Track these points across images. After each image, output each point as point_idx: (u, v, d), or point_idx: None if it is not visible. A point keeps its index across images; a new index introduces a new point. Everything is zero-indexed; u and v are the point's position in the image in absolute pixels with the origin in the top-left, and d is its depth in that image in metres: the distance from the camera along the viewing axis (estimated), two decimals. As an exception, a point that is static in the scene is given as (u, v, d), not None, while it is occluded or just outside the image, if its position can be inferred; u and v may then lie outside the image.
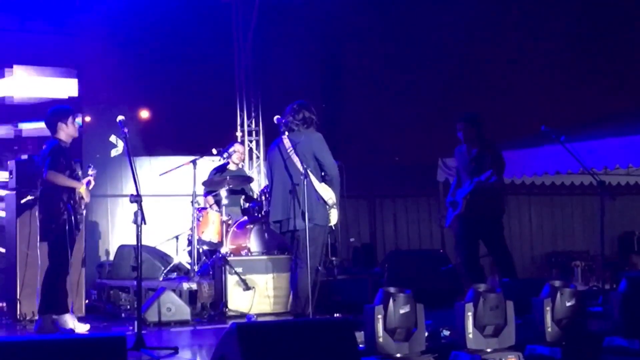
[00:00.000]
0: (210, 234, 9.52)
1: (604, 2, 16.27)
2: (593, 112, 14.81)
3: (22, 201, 8.24)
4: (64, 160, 7.40)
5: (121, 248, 10.19)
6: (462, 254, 8.79)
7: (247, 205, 9.95)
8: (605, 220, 8.44)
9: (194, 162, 9.58)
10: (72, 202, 7.37)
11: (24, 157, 8.56)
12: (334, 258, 10.49)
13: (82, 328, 7.41)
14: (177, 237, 10.38)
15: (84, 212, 7.66)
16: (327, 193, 7.41)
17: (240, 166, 10.67)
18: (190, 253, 9.52)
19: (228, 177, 9.81)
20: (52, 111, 7.69)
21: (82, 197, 7.46)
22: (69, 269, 7.56)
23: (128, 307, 9.18)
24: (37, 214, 7.51)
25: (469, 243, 8.67)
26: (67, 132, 7.53)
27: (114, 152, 12.91)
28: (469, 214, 8.55)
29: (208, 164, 10.45)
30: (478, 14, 15.72)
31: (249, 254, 9.19)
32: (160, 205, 11.83)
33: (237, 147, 10.68)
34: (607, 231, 8.92)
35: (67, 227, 7.29)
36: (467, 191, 8.48)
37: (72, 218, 7.33)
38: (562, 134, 8.71)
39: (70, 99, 10.95)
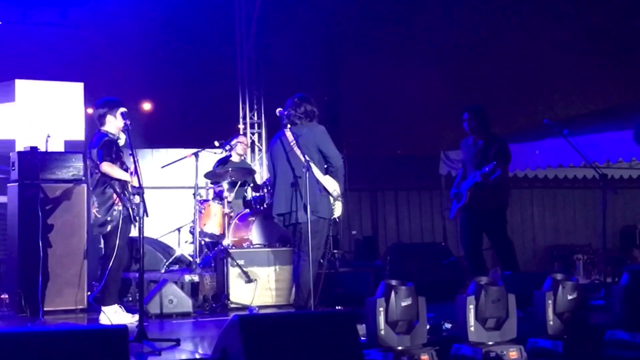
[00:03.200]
0: (212, 226, 9.51)
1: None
2: (596, 105, 14.81)
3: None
4: (114, 153, 7.41)
5: (123, 240, 10.18)
6: (465, 246, 8.79)
7: (251, 196, 9.95)
8: (608, 214, 8.45)
9: (196, 154, 9.57)
10: (126, 193, 7.37)
11: (27, 148, 8.54)
12: (336, 251, 10.50)
13: (127, 318, 7.43)
14: (179, 229, 10.38)
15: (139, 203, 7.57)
16: (332, 185, 7.42)
17: (242, 158, 10.67)
18: (192, 245, 9.53)
19: (230, 169, 9.80)
20: (102, 103, 7.61)
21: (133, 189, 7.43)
22: (125, 261, 7.66)
23: (130, 298, 9.18)
24: (92, 207, 7.49)
25: (472, 235, 8.67)
26: (115, 124, 7.48)
27: (116, 144, 12.91)
28: (472, 205, 8.54)
29: (210, 156, 10.44)
30: (481, 7, 15.70)
31: (251, 247, 9.20)
32: (162, 197, 11.82)
33: (241, 138, 10.69)
34: (609, 224, 8.95)
35: (121, 219, 7.33)
36: (471, 183, 8.47)
37: (127, 210, 7.35)
38: (564, 127, 8.71)
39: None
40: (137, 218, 7.32)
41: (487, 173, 8.26)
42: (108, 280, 7.39)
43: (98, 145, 7.38)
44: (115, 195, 7.35)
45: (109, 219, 7.36)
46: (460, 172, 8.90)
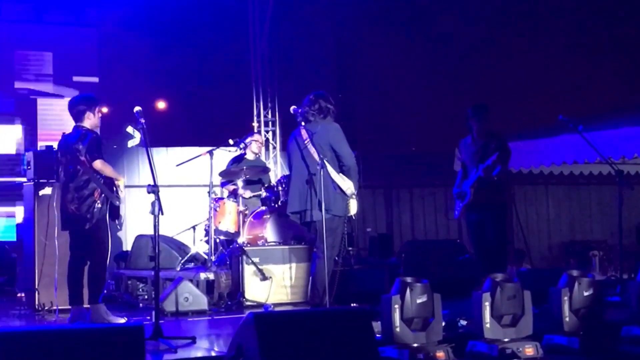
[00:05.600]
0: (227, 224, 9.53)
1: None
2: (611, 101, 14.73)
3: (40, 193, 8.29)
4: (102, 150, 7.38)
5: (139, 238, 10.21)
6: (474, 244, 8.71)
7: (265, 194, 9.97)
8: (623, 210, 8.41)
9: (210, 152, 9.58)
10: (114, 189, 7.32)
11: (42, 148, 8.57)
12: (350, 248, 10.49)
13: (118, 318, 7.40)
14: (194, 227, 10.39)
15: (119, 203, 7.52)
16: (345, 183, 7.41)
17: (257, 156, 10.68)
18: (207, 243, 9.55)
19: (245, 167, 9.82)
20: (80, 99, 7.58)
21: (119, 188, 7.41)
22: (108, 258, 7.55)
23: (146, 297, 9.21)
24: (70, 203, 7.36)
25: (481, 232, 8.60)
26: (92, 121, 7.43)
27: (130, 143, 12.97)
28: (477, 202, 8.49)
29: (224, 154, 10.46)
30: (495, 3, 15.66)
31: (266, 244, 9.21)
32: (177, 195, 11.85)
33: (255, 136, 10.70)
34: (625, 220, 8.88)
35: (102, 216, 7.26)
36: (474, 179, 8.44)
37: (108, 206, 7.30)
38: (579, 123, 8.66)
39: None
40: (123, 215, 7.34)
41: (491, 165, 8.22)
42: (99, 277, 7.34)
43: (87, 142, 7.26)
44: (96, 193, 7.28)
45: (88, 216, 7.23)
46: (461, 172, 8.86)
